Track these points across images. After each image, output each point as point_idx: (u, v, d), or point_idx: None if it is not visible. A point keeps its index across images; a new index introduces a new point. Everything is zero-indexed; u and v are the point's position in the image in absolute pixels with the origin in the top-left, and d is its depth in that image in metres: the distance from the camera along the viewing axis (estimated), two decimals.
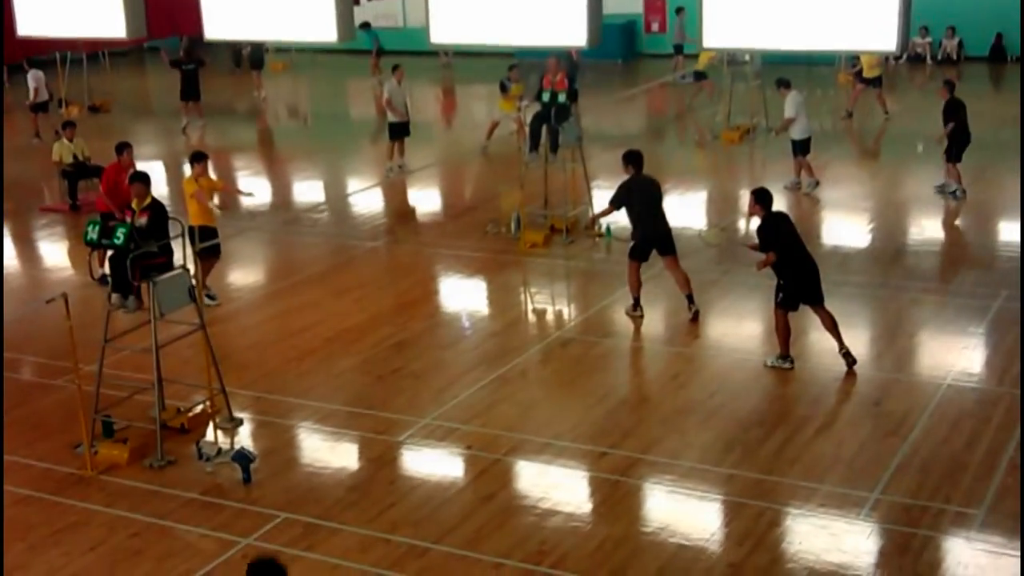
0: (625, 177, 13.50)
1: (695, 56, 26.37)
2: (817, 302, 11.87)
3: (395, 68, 21.32)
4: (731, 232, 16.91)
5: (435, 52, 32.81)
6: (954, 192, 17.70)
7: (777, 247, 11.67)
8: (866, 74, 24.21)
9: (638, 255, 13.41)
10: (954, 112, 17.68)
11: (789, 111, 18.70)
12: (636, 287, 13.45)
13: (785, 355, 11.92)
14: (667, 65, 30.46)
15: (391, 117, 21.02)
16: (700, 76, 24.60)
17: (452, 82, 32.77)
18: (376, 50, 31.97)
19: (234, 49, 33.29)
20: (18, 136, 25.17)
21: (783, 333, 11.89)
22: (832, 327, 11.87)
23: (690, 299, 13.31)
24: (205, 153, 14.78)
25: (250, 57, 31.30)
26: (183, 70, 25.67)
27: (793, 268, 11.73)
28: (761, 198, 11.81)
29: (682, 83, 29.00)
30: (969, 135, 17.73)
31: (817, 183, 18.76)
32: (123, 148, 15.78)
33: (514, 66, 22.64)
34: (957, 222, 17.38)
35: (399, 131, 21.03)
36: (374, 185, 20.82)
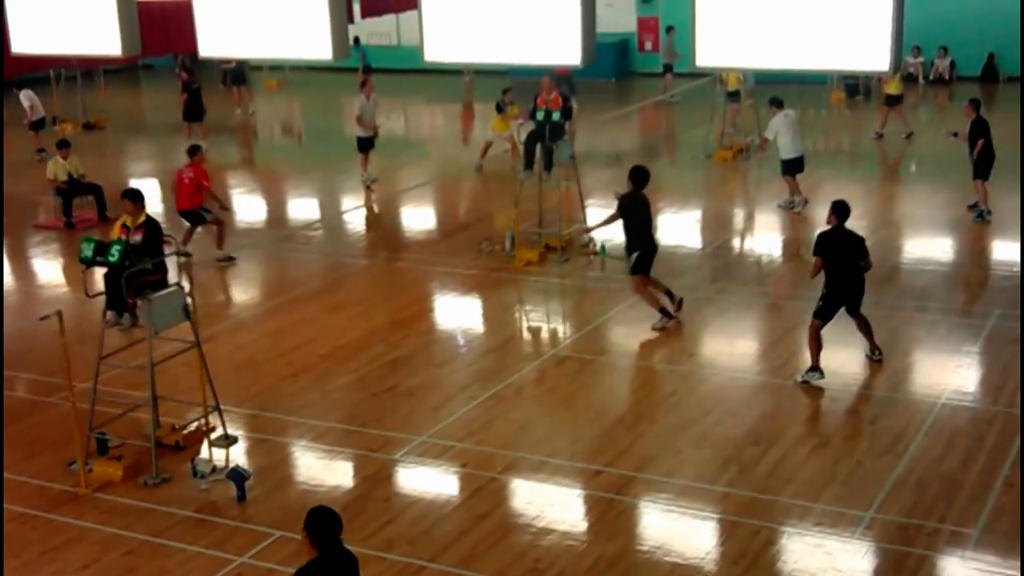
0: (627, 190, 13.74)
1: (685, 75, 26.34)
2: (853, 313, 12.18)
3: (363, 84, 21.82)
4: (728, 250, 16.98)
5: (429, 70, 32.81)
6: (981, 213, 17.73)
7: (825, 255, 11.88)
8: (890, 91, 24.00)
9: (645, 268, 13.58)
10: (984, 131, 17.83)
11: (768, 131, 19.19)
12: (655, 299, 13.60)
13: (815, 367, 11.95)
14: (660, 84, 30.50)
15: (358, 131, 21.58)
16: (734, 96, 24.36)
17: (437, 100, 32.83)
18: (363, 67, 31.27)
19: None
20: (14, 153, 25.10)
21: (814, 344, 11.96)
22: (866, 330, 12.24)
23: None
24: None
25: (231, 74, 31.08)
26: (191, 91, 25.71)
27: (837, 282, 11.93)
28: (836, 209, 12.09)
29: (672, 103, 29.04)
30: (994, 153, 17.90)
31: (806, 201, 18.79)
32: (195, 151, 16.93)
33: (509, 89, 22.76)
34: (952, 241, 17.42)
35: (367, 145, 21.52)
36: (368, 203, 20.84)
